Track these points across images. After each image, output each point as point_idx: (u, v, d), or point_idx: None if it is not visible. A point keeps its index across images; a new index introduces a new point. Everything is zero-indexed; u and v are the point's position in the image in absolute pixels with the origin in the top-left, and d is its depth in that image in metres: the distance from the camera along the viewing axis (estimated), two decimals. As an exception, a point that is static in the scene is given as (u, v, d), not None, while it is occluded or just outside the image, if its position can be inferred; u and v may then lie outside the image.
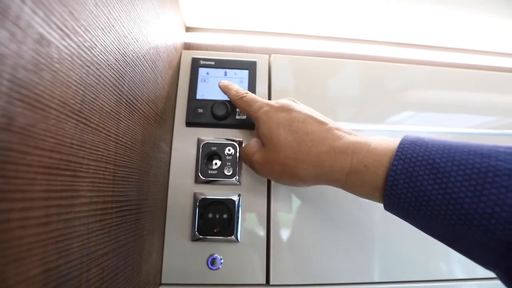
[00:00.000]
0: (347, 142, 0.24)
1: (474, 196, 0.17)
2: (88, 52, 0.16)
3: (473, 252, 0.18)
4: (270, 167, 0.28)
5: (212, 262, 0.32)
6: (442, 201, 0.18)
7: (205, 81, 0.37)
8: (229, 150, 0.35)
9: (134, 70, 0.23)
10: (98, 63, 0.17)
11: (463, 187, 0.17)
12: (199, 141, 0.36)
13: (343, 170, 0.23)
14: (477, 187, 0.17)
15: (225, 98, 0.37)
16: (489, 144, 0.19)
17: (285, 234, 0.34)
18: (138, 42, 0.24)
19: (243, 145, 0.36)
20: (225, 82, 0.35)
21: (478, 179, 0.17)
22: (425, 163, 0.19)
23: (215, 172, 0.34)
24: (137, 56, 0.24)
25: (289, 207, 0.35)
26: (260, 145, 0.30)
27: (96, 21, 0.17)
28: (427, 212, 0.19)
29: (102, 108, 0.18)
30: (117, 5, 0.19)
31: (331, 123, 0.27)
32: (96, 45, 0.17)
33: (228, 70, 0.38)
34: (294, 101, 0.30)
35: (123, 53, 0.21)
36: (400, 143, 0.21)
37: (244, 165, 0.35)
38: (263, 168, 0.28)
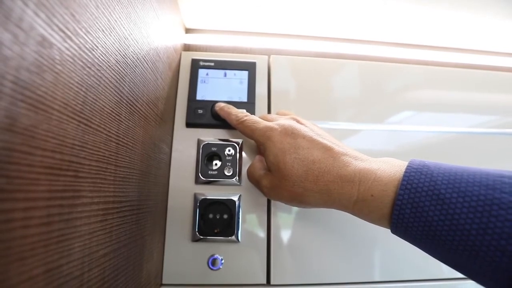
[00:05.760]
0: (354, 170, 0.24)
1: (480, 229, 0.17)
2: (89, 53, 0.16)
3: (479, 279, 0.19)
4: (279, 192, 0.28)
5: (212, 262, 0.32)
6: (448, 232, 0.18)
7: (205, 82, 0.38)
8: (229, 150, 0.35)
9: (135, 71, 0.23)
10: (99, 65, 0.17)
11: (469, 219, 0.18)
12: (199, 141, 0.36)
13: (350, 198, 0.24)
14: (482, 219, 0.17)
15: (225, 98, 0.37)
16: (494, 172, 0.19)
17: (285, 234, 0.34)
18: (138, 43, 0.24)
19: (247, 152, 0.36)
20: (221, 105, 0.35)
21: (484, 212, 0.17)
22: (430, 193, 0.19)
23: (215, 172, 0.35)
24: (137, 58, 0.24)
25: (289, 207, 0.35)
26: (266, 167, 0.30)
27: (97, 23, 0.17)
28: (434, 241, 0.19)
29: (103, 109, 0.18)
30: (117, 7, 0.19)
31: (336, 146, 0.26)
32: (97, 46, 0.17)
33: (227, 71, 0.38)
34: (297, 121, 0.29)
35: (123, 55, 0.21)
36: (406, 171, 0.21)
37: (244, 166, 0.35)
38: (272, 193, 0.29)
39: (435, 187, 0.19)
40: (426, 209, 0.19)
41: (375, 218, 0.23)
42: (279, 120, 0.30)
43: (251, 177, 0.33)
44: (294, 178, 0.26)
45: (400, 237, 0.22)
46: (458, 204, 0.18)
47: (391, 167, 0.23)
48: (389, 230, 0.23)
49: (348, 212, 0.25)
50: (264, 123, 0.30)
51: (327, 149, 0.26)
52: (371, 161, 0.24)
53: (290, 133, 0.27)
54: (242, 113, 0.32)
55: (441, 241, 0.19)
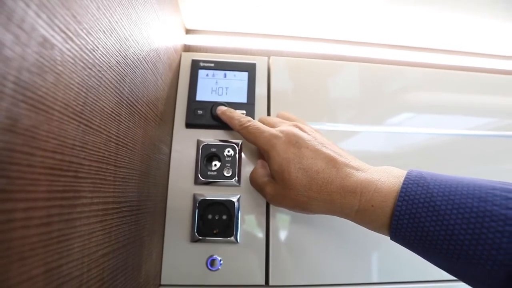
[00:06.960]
0: (356, 181, 0.24)
1: (473, 239, 0.19)
2: (90, 54, 0.16)
3: (473, 284, 0.20)
4: (282, 200, 0.28)
5: (211, 263, 0.33)
6: (443, 242, 0.20)
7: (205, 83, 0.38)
8: (228, 151, 0.35)
9: (135, 72, 0.23)
10: (99, 65, 0.17)
11: (462, 230, 0.19)
12: (198, 142, 0.36)
13: (352, 208, 0.24)
14: (475, 230, 0.19)
15: (225, 100, 0.37)
16: (487, 184, 0.20)
17: (284, 235, 0.34)
18: (138, 44, 0.24)
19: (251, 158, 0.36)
20: (223, 109, 0.35)
21: (476, 223, 0.19)
22: (427, 205, 0.21)
23: (215, 173, 0.35)
24: (137, 58, 0.24)
25: (289, 208, 0.35)
26: (269, 174, 0.31)
27: (98, 24, 0.17)
28: (430, 249, 0.21)
29: (103, 109, 0.18)
30: (118, 8, 0.19)
31: (339, 156, 0.27)
32: (98, 47, 0.17)
33: (227, 72, 0.38)
34: (300, 128, 0.29)
35: (124, 55, 0.21)
36: (404, 183, 0.22)
37: (243, 167, 0.35)
38: (275, 200, 0.29)
39: (431, 199, 0.21)
40: (423, 220, 0.20)
41: (376, 227, 0.24)
42: (282, 127, 0.30)
43: (254, 183, 0.33)
44: (298, 188, 0.26)
45: (399, 244, 0.23)
46: (452, 216, 0.19)
47: (390, 177, 0.24)
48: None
49: (350, 220, 0.26)
50: (268, 130, 0.30)
51: (330, 159, 0.26)
52: (372, 171, 0.25)
53: (294, 143, 0.28)
54: (245, 118, 0.32)
55: (437, 250, 0.20)
